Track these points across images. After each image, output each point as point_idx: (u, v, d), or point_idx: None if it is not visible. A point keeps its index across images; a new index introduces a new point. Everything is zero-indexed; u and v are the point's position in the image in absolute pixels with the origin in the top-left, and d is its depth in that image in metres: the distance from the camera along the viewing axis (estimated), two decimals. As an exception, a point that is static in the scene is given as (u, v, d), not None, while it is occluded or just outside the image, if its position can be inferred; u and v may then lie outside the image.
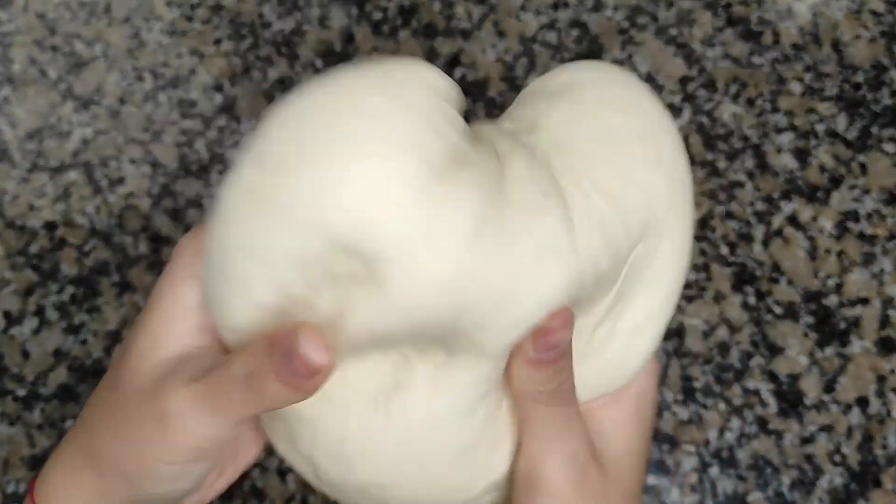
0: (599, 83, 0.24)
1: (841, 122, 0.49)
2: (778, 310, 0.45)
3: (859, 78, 0.50)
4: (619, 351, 0.23)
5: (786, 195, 0.47)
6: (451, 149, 0.19)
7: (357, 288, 0.19)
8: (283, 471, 0.42)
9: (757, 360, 0.44)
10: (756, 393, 0.43)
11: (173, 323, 0.22)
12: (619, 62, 0.52)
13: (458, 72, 0.52)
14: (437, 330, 0.19)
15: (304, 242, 0.18)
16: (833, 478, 0.41)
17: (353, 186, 0.18)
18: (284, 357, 0.18)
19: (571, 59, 0.52)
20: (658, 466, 0.42)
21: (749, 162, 0.48)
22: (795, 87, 0.50)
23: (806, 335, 0.44)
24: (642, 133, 0.22)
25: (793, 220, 0.47)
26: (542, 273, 0.19)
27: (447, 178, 0.18)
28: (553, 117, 0.23)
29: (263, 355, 0.18)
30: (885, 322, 0.44)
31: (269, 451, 0.43)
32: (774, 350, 0.44)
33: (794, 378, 0.43)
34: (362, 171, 0.18)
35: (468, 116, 0.51)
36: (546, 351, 0.20)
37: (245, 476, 0.42)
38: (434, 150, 0.19)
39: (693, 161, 0.49)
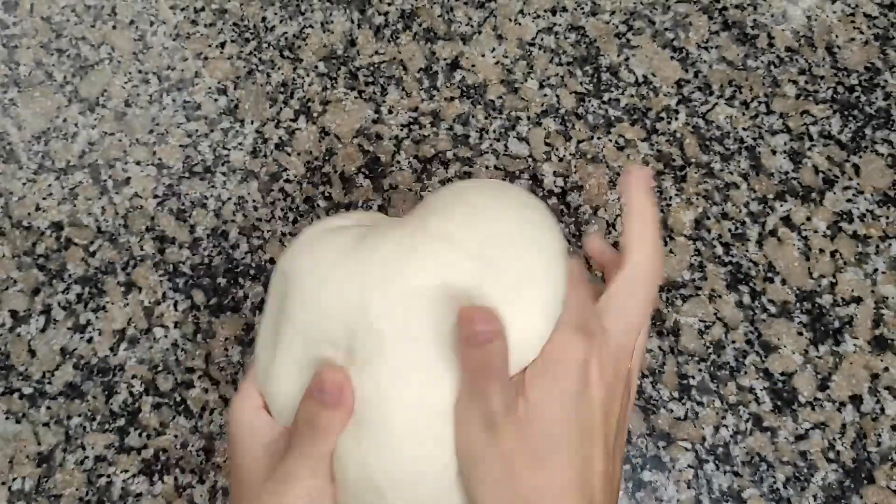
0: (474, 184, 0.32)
1: (835, 124, 0.50)
2: (772, 309, 0.45)
3: (853, 80, 0.51)
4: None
5: (780, 196, 0.48)
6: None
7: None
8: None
9: (752, 359, 0.44)
10: (751, 390, 0.44)
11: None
12: (616, 65, 0.52)
13: (458, 75, 0.52)
14: None
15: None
16: (827, 474, 0.42)
17: None
18: (318, 390, 0.27)
19: (570, 63, 0.52)
20: (654, 463, 0.42)
21: (744, 163, 0.49)
22: (790, 90, 0.51)
23: (800, 334, 0.45)
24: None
25: (787, 220, 0.48)
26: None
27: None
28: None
29: (308, 398, 0.27)
30: (878, 321, 0.45)
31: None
32: (769, 348, 0.44)
33: (789, 376, 0.44)
34: None
35: (467, 120, 0.51)
36: (473, 337, 0.26)
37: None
38: None
39: (689, 163, 0.49)
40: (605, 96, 0.51)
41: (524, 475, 0.25)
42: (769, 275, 0.46)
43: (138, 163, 0.51)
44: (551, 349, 0.27)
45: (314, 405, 0.27)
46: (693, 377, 0.44)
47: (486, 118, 0.51)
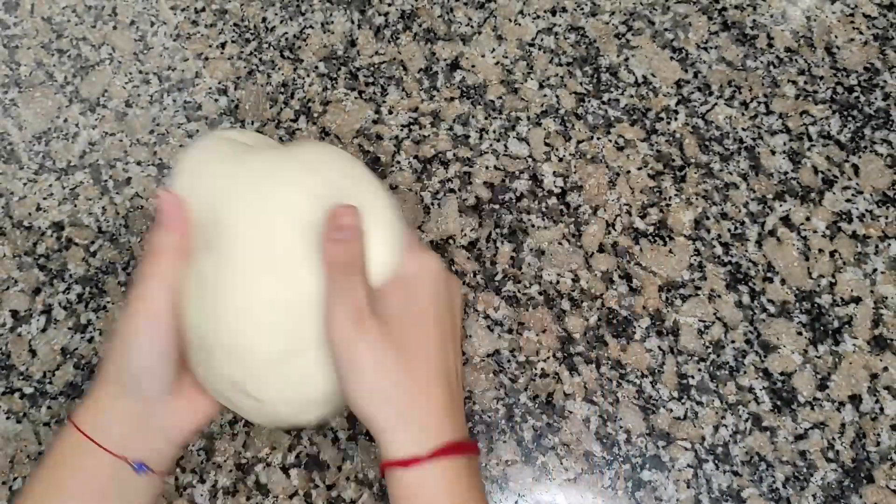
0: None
1: (834, 125, 0.50)
2: (772, 308, 0.45)
3: (852, 81, 0.51)
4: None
5: (779, 196, 0.48)
6: None
7: None
8: (287, 466, 0.43)
9: (751, 358, 0.44)
10: (750, 390, 0.44)
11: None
12: (615, 66, 0.52)
13: (458, 75, 0.52)
14: None
15: None
16: (826, 474, 0.42)
17: None
18: (157, 213, 0.32)
19: (569, 63, 0.53)
20: (654, 462, 0.42)
21: (743, 163, 0.49)
22: (789, 90, 0.51)
23: (799, 333, 0.45)
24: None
25: (786, 220, 0.48)
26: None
27: None
28: None
29: (153, 228, 0.32)
30: (877, 321, 0.45)
31: (273, 447, 0.44)
32: (768, 348, 0.44)
33: (788, 376, 0.44)
34: None
35: (467, 120, 0.51)
36: (337, 232, 0.30)
37: (249, 471, 0.43)
38: None
39: (688, 163, 0.49)
40: (605, 96, 0.51)
41: (393, 363, 0.29)
42: (768, 275, 0.46)
43: (139, 163, 0.51)
44: (409, 264, 0.32)
45: (155, 231, 0.32)
46: (693, 377, 0.44)
47: (486, 118, 0.51)
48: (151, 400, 0.32)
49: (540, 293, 0.46)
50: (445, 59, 0.53)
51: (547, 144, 0.50)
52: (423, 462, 0.28)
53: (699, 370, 0.44)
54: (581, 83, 0.52)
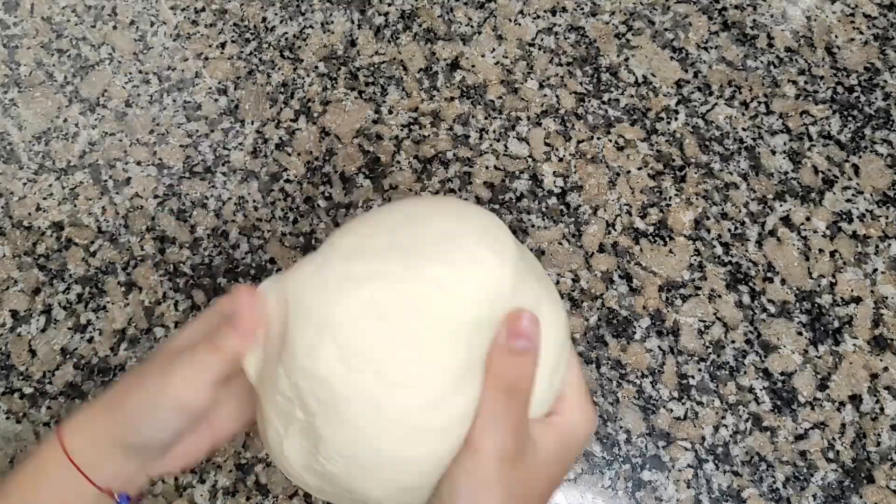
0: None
1: (834, 124, 0.50)
2: (772, 308, 0.45)
3: (853, 80, 0.51)
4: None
5: (780, 196, 0.48)
6: None
7: None
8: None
9: (751, 358, 0.44)
10: (751, 390, 0.44)
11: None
12: (615, 65, 0.52)
13: (458, 75, 0.52)
14: None
15: None
16: (827, 474, 0.42)
17: None
18: (229, 317, 0.28)
19: (570, 63, 0.53)
20: (654, 462, 0.42)
21: (743, 163, 0.49)
22: (789, 90, 0.51)
23: (800, 333, 0.45)
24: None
25: (787, 220, 0.48)
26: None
27: None
28: None
29: (220, 318, 0.29)
30: (877, 321, 0.45)
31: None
32: (768, 348, 0.44)
33: (788, 376, 0.44)
34: None
35: (467, 120, 0.51)
36: (514, 339, 0.25)
37: (249, 471, 0.43)
38: None
39: (688, 163, 0.49)
40: (605, 96, 0.51)
41: None
42: (769, 275, 0.46)
43: (139, 163, 0.51)
44: (573, 409, 0.28)
45: (225, 326, 0.28)
46: (693, 377, 0.44)
47: (486, 118, 0.51)
48: (148, 448, 0.29)
49: (540, 293, 0.46)
50: (445, 59, 0.53)
51: (547, 144, 0.50)
52: None
53: (699, 370, 0.44)
54: (581, 83, 0.52)
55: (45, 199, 0.50)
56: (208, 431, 0.31)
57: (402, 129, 0.51)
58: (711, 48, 0.53)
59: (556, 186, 0.49)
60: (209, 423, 0.31)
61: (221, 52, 0.54)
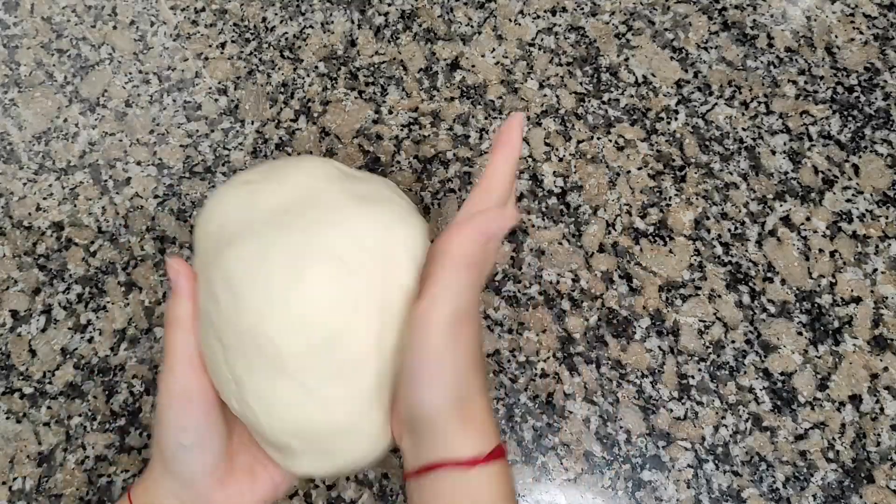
0: None
1: (834, 124, 0.50)
2: (772, 309, 0.45)
3: (853, 80, 0.51)
4: None
5: (780, 196, 0.48)
6: None
7: None
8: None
9: (751, 358, 0.44)
10: (751, 390, 0.44)
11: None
12: (615, 65, 0.52)
13: (458, 75, 0.52)
14: None
15: None
16: (827, 474, 0.42)
17: None
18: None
19: (570, 63, 0.53)
20: (654, 462, 0.42)
21: (743, 163, 0.49)
22: (789, 90, 0.51)
23: (800, 334, 0.45)
24: None
25: (786, 220, 0.48)
26: None
27: None
28: None
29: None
30: (877, 321, 0.45)
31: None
32: (768, 348, 0.44)
33: (788, 376, 0.44)
34: None
35: (467, 120, 0.51)
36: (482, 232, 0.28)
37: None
38: None
39: (688, 163, 0.49)
40: (605, 96, 0.51)
41: (466, 364, 0.28)
42: (769, 275, 0.46)
43: (139, 163, 0.51)
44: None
45: (169, 302, 0.30)
46: (693, 377, 0.44)
47: (486, 118, 0.51)
48: (198, 482, 0.30)
49: (540, 293, 0.46)
50: (445, 59, 0.53)
51: (547, 144, 0.50)
52: (483, 463, 0.28)
53: (699, 370, 0.44)
54: (581, 83, 0.52)
55: (45, 199, 0.50)
56: (265, 475, 0.32)
57: (402, 129, 0.51)
58: (711, 48, 0.53)
59: (556, 186, 0.49)
60: (265, 467, 0.32)
61: (221, 52, 0.54)
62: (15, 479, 0.43)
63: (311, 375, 0.28)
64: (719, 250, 0.47)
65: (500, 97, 0.51)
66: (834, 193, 0.48)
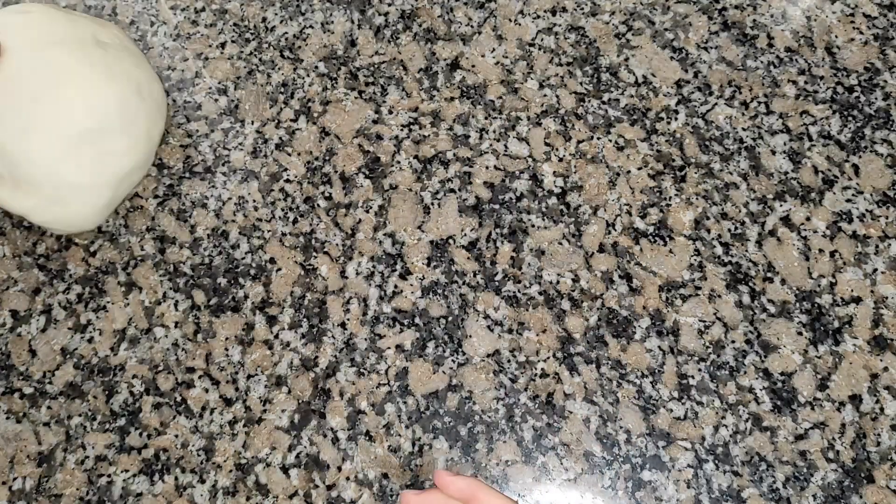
0: None
1: (834, 124, 0.50)
2: (772, 308, 0.45)
3: (852, 80, 0.51)
4: None
5: (780, 196, 0.48)
6: None
7: None
8: (287, 466, 0.43)
9: (751, 358, 0.44)
10: (751, 390, 0.44)
11: None
12: (615, 65, 0.52)
13: (458, 75, 0.52)
14: None
15: None
16: (827, 474, 0.42)
17: None
18: None
19: (570, 63, 0.53)
20: (654, 462, 0.42)
21: (743, 163, 0.49)
22: (789, 90, 0.51)
23: (800, 333, 0.45)
24: None
25: (787, 220, 0.48)
26: None
27: None
28: None
29: None
30: (877, 321, 0.45)
31: (273, 447, 0.44)
32: (769, 348, 0.44)
33: (789, 376, 0.44)
34: None
35: (467, 120, 0.51)
36: None
37: (249, 471, 0.43)
38: None
39: (688, 163, 0.49)
40: (605, 96, 0.51)
41: None
42: (769, 275, 0.46)
43: (139, 163, 0.51)
44: None
45: None
46: (693, 377, 0.44)
47: (486, 118, 0.51)
48: None
49: (540, 293, 0.46)
50: (445, 59, 0.53)
51: (547, 144, 0.50)
52: None
53: (699, 370, 0.44)
54: (581, 83, 0.52)
55: (45, 199, 0.50)
56: None
57: (402, 129, 0.51)
58: (711, 48, 0.53)
59: (556, 186, 0.49)
60: None
61: (221, 52, 0.54)
62: (15, 478, 0.43)
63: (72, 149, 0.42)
64: (719, 250, 0.47)
65: (500, 97, 0.52)
66: (834, 193, 0.48)
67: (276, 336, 0.46)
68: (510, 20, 0.54)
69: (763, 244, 0.47)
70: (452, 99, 0.52)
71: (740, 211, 0.48)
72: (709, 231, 0.48)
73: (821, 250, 0.47)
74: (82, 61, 0.43)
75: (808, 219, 0.48)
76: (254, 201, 0.49)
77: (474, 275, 0.47)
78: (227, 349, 0.46)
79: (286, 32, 0.54)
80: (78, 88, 0.43)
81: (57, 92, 0.42)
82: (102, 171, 0.44)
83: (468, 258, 0.47)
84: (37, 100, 0.42)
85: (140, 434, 0.44)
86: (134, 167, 0.45)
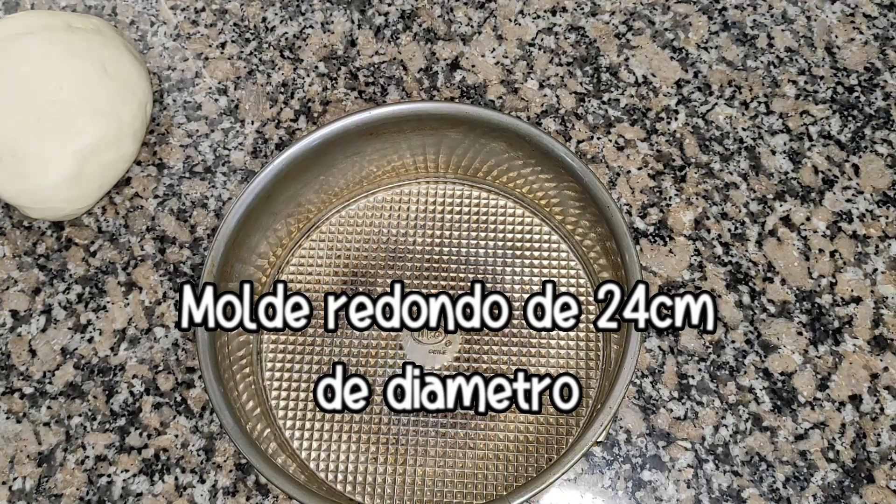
0: None
1: (834, 124, 0.50)
2: (772, 308, 0.45)
3: (853, 80, 0.51)
4: None
5: (780, 196, 0.48)
6: None
7: None
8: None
9: (751, 358, 0.44)
10: (751, 390, 0.44)
11: None
12: (615, 66, 0.52)
13: (458, 75, 0.52)
14: None
15: None
16: (827, 474, 0.42)
17: None
18: None
19: (569, 63, 0.53)
20: (654, 462, 0.42)
21: (743, 163, 0.49)
22: (789, 90, 0.51)
23: (800, 333, 0.45)
24: None
25: (787, 220, 0.48)
26: None
27: None
28: None
29: None
30: (877, 321, 0.45)
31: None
32: (769, 348, 0.44)
33: (789, 376, 0.44)
34: None
35: (468, 119, 0.51)
36: None
37: (249, 471, 0.43)
38: None
39: (688, 163, 0.49)
40: (605, 96, 0.51)
41: None
42: (769, 275, 0.46)
43: (139, 163, 0.51)
44: None
45: None
46: (693, 377, 0.44)
47: (486, 118, 0.51)
48: None
49: (540, 293, 0.46)
50: (445, 59, 0.53)
51: (547, 144, 0.50)
52: None
53: (699, 370, 0.44)
54: (581, 83, 0.52)
55: (45, 199, 0.50)
56: None
57: (402, 129, 0.51)
58: (711, 48, 0.53)
59: (556, 186, 0.49)
60: None
61: (221, 52, 0.54)
62: (15, 479, 0.43)
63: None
64: (719, 250, 0.47)
65: (500, 97, 0.52)
66: (834, 193, 0.48)
67: (276, 336, 0.46)
68: (510, 20, 0.54)
69: (763, 244, 0.47)
70: (452, 99, 0.52)
71: (740, 211, 0.48)
72: (709, 231, 0.48)
73: (821, 250, 0.47)
74: (44, 40, 0.45)
75: (808, 219, 0.48)
76: (254, 201, 0.49)
77: (474, 275, 0.47)
78: (227, 349, 0.46)
79: (286, 32, 0.54)
80: (36, 64, 0.44)
81: (17, 70, 0.44)
82: (63, 142, 0.44)
83: (468, 258, 0.47)
84: None
85: (140, 434, 0.44)
86: (99, 143, 0.45)
